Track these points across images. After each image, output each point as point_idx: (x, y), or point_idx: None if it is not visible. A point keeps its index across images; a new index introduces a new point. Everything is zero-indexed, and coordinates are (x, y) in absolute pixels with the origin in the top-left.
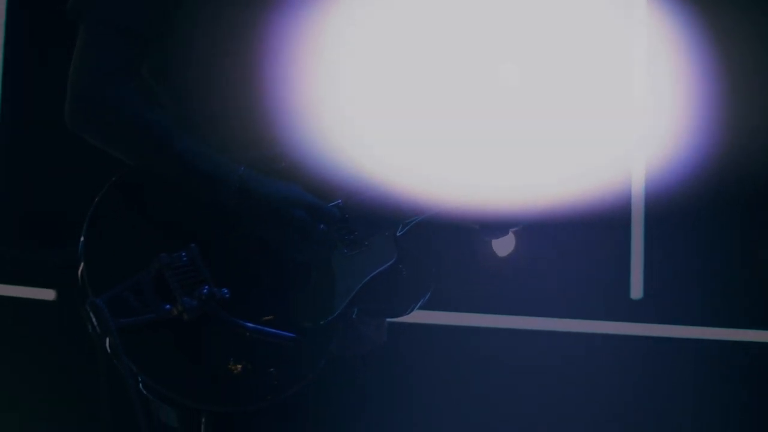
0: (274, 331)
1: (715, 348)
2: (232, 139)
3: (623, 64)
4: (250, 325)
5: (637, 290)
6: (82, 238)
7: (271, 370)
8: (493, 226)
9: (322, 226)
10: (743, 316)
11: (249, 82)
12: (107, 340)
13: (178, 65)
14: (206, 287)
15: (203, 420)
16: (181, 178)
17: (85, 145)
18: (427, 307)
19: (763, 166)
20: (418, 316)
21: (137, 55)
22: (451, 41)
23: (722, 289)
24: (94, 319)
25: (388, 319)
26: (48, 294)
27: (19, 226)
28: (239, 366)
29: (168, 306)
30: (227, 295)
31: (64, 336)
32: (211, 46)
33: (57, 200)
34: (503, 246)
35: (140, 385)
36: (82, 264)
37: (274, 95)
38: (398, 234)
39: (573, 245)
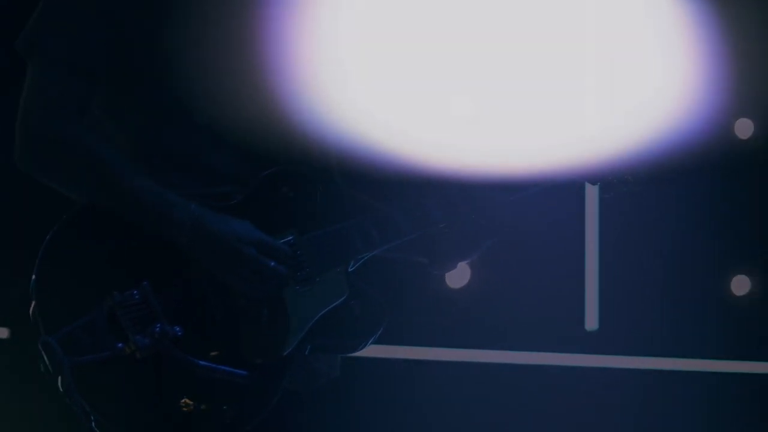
0: (226, 368)
1: (671, 379)
2: (185, 175)
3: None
4: (202, 362)
5: (591, 321)
6: (33, 276)
7: (224, 407)
8: (441, 259)
9: (272, 263)
10: (700, 347)
11: (205, 119)
12: (59, 378)
13: (130, 101)
14: (159, 325)
15: None
16: (133, 215)
17: (34, 182)
18: (380, 340)
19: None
20: (370, 350)
21: (87, 93)
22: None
23: (678, 319)
24: (46, 358)
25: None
26: (1, 332)
27: None
28: (192, 404)
29: (120, 344)
30: (180, 333)
31: (18, 375)
32: (165, 83)
33: (8, 237)
34: (457, 278)
35: (93, 423)
36: (33, 302)
37: (231, 130)
38: (350, 270)
39: (527, 277)
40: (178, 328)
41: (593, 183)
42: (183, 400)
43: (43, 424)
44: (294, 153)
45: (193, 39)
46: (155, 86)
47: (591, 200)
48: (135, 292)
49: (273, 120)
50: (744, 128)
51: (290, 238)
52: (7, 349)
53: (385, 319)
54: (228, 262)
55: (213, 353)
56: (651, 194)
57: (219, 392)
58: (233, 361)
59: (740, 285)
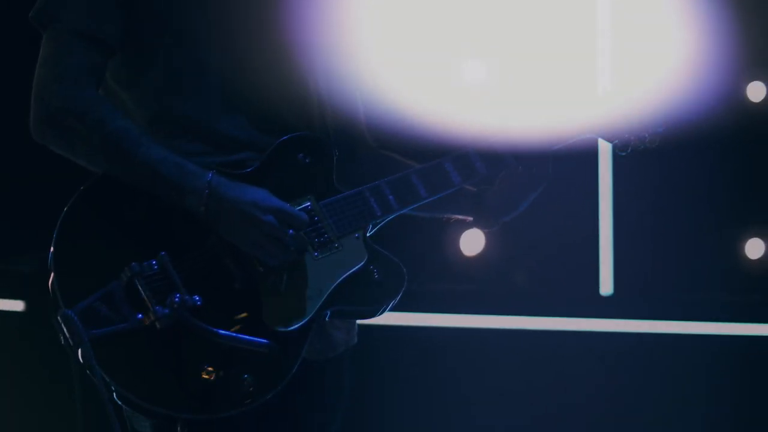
0: (247, 337)
1: (686, 342)
2: (199, 143)
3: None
4: (223, 331)
5: (606, 286)
6: (51, 249)
7: (245, 376)
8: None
9: (291, 230)
10: (714, 310)
11: (219, 85)
12: (79, 351)
13: (142, 70)
14: (177, 295)
15: (178, 429)
16: (150, 185)
17: (50, 154)
18: (396, 308)
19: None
20: (386, 318)
21: (103, 63)
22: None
23: (693, 283)
24: (66, 331)
25: (358, 321)
26: (16, 305)
27: None
28: (213, 373)
29: (140, 315)
30: (199, 303)
31: (34, 347)
32: (179, 49)
33: (23, 209)
34: (471, 246)
35: (114, 395)
36: (52, 275)
37: (245, 96)
38: (368, 234)
39: (541, 243)
40: (197, 298)
41: (610, 141)
42: (204, 370)
43: (59, 396)
44: (308, 119)
45: (204, 5)
46: (167, 54)
47: (604, 166)
48: (154, 262)
49: (287, 85)
50: (757, 91)
51: (308, 204)
52: (22, 321)
53: (405, 283)
54: (246, 230)
55: (233, 322)
56: (664, 159)
57: (240, 361)
58: (254, 330)
59: (755, 248)
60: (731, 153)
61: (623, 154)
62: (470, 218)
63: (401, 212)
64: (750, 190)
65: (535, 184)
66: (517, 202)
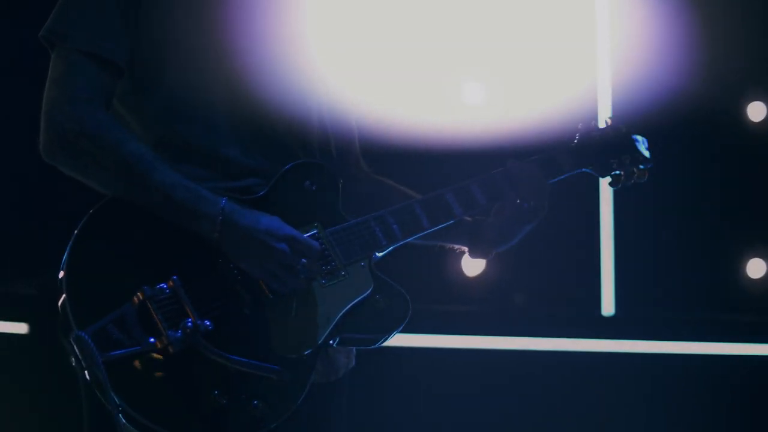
0: (258, 362)
1: (687, 363)
2: (206, 169)
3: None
4: (235, 357)
5: (608, 306)
6: (62, 271)
7: (255, 402)
8: (482, 245)
9: (303, 259)
10: (716, 330)
11: (223, 110)
12: (89, 373)
13: (150, 95)
14: (190, 320)
15: None
16: (164, 209)
17: (58, 174)
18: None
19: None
20: (389, 339)
21: (112, 85)
22: None
23: (694, 303)
24: (78, 353)
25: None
26: (20, 327)
27: None
28: (223, 398)
29: (152, 339)
30: (210, 327)
31: (38, 369)
32: (183, 75)
33: (26, 232)
34: (472, 267)
35: (123, 418)
36: (63, 296)
37: (249, 121)
38: (373, 263)
39: (542, 264)
40: (208, 322)
41: (602, 176)
42: (214, 395)
43: (62, 418)
44: (309, 145)
45: (208, 32)
46: (172, 80)
47: (606, 186)
48: (165, 286)
49: (290, 111)
50: (757, 111)
51: (315, 231)
52: (26, 344)
53: (409, 313)
54: (259, 257)
55: (243, 347)
56: (665, 180)
57: (250, 387)
58: (263, 356)
59: (756, 268)
60: (732, 173)
61: (615, 188)
62: (465, 248)
63: (405, 242)
64: (751, 210)
65: (532, 216)
66: (512, 233)
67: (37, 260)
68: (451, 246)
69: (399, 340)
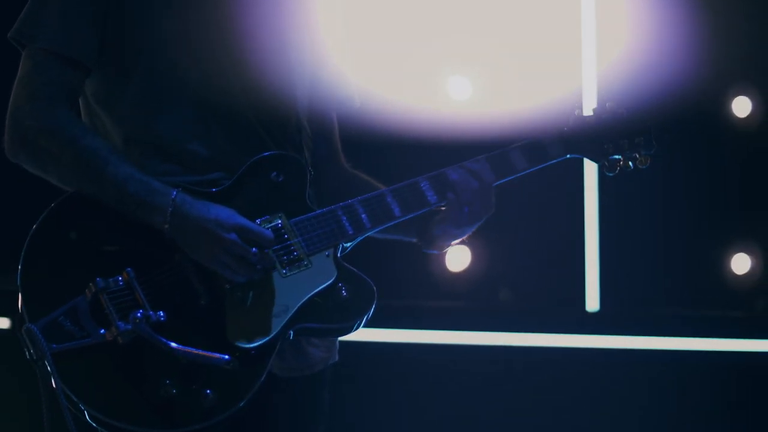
0: (208, 353)
1: (672, 358)
2: (175, 163)
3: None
4: (183, 347)
5: (593, 302)
6: (19, 265)
7: (207, 391)
8: (432, 240)
9: (255, 248)
10: (701, 326)
11: (194, 105)
12: (40, 365)
13: (120, 91)
14: (140, 311)
15: None
16: (118, 202)
17: (28, 172)
18: (380, 324)
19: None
20: (371, 334)
21: (78, 82)
22: None
23: (679, 298)
24: (30, 345)
25: (341, 338)
26: (2, 322)
27: None
28: (175, 389)
29: (103, 330)
30: (163, 318)
31: (19, 364)
32: (154, 71)
33: (8, 227)
34: (457, 262)
35: (74, 410)
36: (19, 291)
37: (221, 116)
38: (341, 253)
39: (526, 259)
40: (162, 313)
41: (597, 162)
42: (165, 385)
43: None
44: (284, 139)
45: (182, 26)
46: (143, 75)
47: (590, 181)
48: (119, 278)
49: (265, 106)
50: (742, 106)
51: (278, 222)
52: (7, 338)
53: (374, 301)
54: (209, 248)
55: (198, 338)
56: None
57: (202, 377)
58: (217, 346)
59: (741, 263)
60: (717, 168)
61: (611, 174)
62: (416, 240)
63: (374, 231)
64: (736, 206)
65: (473, 220)
66: (457, 234)
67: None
68: (404, 239)
69: (383, 335)
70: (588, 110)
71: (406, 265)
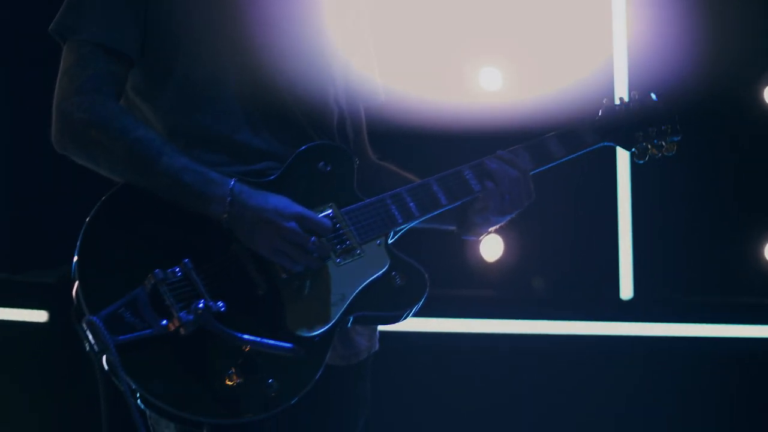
0: (271, 342)
1: (707, 345)
2: (221, 154)
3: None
4: (247, 337)
5: (626, 290)
6: (75, 257)
7: (270, 381)
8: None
9: (313, 237)
10: (734, 312)
11: (237, 96)
12: (104, 357)
13: (163, 82)
14: (202, 301)
15: None
16: (173, 193)
17: (71, 166)
18: (419, 314)
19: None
20: (407, 324)
21: (123, 75)
22: None
23: (712, 286)
24: (91, 337)
25: (380, 327)
26: (40, 315)
27: (10, 248)
28: (238, 378)
29: (165, 321)
30: (223, 309)
31: (57, 357)
32: (196, 63)
33: (47, 221)
34: (491, 251)
35: (138, 400)
36: (76, 283)
37: (263, 106)
38: (389, 242)
39: (560, 248)
40: (221, 304)
41: (628, 149)
42: (229, 374)
43: (82, 405)
44: (326, 128)
45: (220, 19)
46: (185, 67)
47: (623, 170)
48: (177, 268)
49: (306, 95)
50: None
51: (329, 211)
52: (45, 332)
53: (427, 289)
54: (268, 237)
55: (257, 327)
56: (683, 163)
57: (264, 366)
58: (277, 335)
59: None
60: (750, 156)
61: (641, 162)
62: (454, 228)
63: (422, 219)
64: None
65: (514, 206)
66: (497, 221)
67: (55, 249)
68: (442, 227)
69: (420, 325)
70: (617, 99)
71: (439, 255)
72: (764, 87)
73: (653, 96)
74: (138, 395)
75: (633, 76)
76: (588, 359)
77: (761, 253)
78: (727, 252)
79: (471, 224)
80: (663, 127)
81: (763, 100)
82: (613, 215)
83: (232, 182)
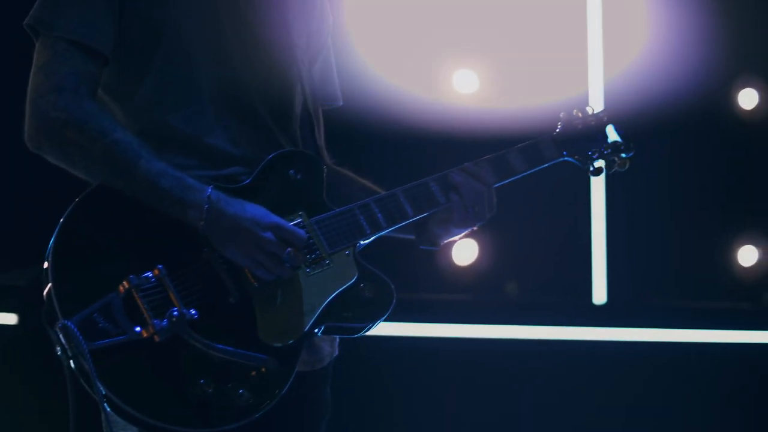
0: (243, 351)
1: (679, 350)
2: (191, 157)
3: None
4: (220, 346)
5: (600, 295)
6: (48, 259)
7: (241, 391)
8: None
9: (289, 248)
10: (707, 317)
11: (210, 99)
12: (75, 362)
13: (134, 84)
14: (176, 309)
15: None
16: (150, 197)
17: (44, 167)
18: (392, 318)
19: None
20: (378, 328)
21: (97, 72)
22: None
23: (685, 290)
24: (64, 342)
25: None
26: (10, 318)
27: None
28: (210, 387)
29: (138, 328)
30: (195, 316)
31: (27, 360)
32: (171, 64)
33: (15, 222)
34: (464, 256)
35: (107, 406)
36: (49, 285)
37: (236, 110)
38: (357, 251)
39: (534, 253)
40: (194, 311)
41: (583, 166)
42: (201, 384)
43: (51, 409)
44: (295, 135)
45: (196, 21)
46: (159, 68)
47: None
48: (150, 275)
49: (277, 100)
50: (748, 99)
51: (299, 220)
52: (15, 334)
53: (393, 302)
54: (244, 245)
55: (229, 336)
56: (656, 168)
57: (236, 375)
58: (249, 344)
59: (747, 256)
60: (723, 161)
61: (595, 177)
62: (413, 237)
63: (388, 230)
64: (742, 198)
65: (476, 220)
66: (457, 232)
67: (25, 251)
68: (402, 236)
69: (389, 329)
70: (576, 112)
71: (412, 260)
72: (738, 92)
73: (606, 113)
74: (109, 401)
75: (608, 80)
76: (561, 364)
77: (734, 258)
78: (700, 257)
79: (431, 235)
80: (615, 144)
81: (736, 105)
82: (586, 220)
83: (209, 189)
